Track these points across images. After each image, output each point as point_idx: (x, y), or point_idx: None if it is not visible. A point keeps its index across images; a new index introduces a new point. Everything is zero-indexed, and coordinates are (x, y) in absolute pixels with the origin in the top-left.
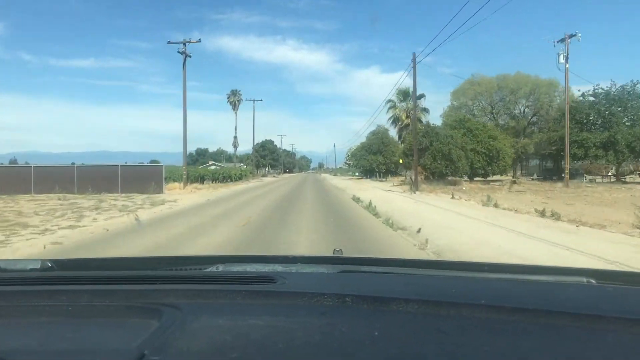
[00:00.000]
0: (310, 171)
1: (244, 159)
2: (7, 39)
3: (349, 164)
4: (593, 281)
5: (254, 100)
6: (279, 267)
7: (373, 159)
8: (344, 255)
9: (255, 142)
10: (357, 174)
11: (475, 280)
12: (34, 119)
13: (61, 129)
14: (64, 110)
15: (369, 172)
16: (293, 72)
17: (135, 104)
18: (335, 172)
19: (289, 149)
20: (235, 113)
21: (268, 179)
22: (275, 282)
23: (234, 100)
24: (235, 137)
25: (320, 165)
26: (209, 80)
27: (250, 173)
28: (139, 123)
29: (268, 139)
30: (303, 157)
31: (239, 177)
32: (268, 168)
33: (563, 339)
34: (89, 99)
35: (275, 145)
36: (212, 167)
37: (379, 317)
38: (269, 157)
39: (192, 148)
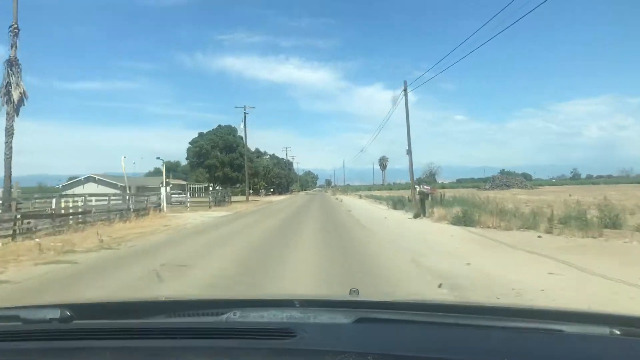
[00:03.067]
0: (317, 188)
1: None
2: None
3: None
4: (617, 332)
5: None
6: (296, 314)
7: None
8: (361, 297)
9: None
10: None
11: (497, 331)
12: (43, 142)
13: (68, 152)
14: (71, 133)
15: None
16: (297, 90)
17: (140, 125)
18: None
19: (281, 154)
20: None
21: None
22: (295, 336)
23: None
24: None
25: (328, 183)
26: (214, 100)
27: None
28: (143, 144)
29: (225, 124)
30: (308, 173)
31: None
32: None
33: None
34: (95, 121)
35: (240, 138)
36: None
37: None
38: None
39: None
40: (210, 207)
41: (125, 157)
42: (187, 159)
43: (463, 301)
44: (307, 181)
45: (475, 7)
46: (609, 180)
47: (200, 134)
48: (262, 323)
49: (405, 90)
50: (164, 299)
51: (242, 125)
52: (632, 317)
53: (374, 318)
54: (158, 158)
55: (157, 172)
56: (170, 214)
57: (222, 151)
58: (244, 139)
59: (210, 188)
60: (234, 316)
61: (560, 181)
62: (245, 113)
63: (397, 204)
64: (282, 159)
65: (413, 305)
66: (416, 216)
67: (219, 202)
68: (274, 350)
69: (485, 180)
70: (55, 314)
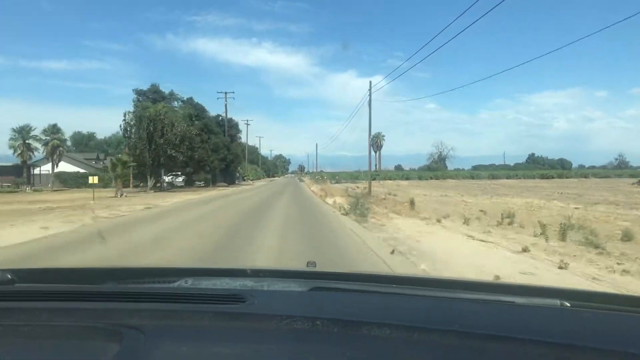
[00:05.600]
0: (289, 174)
1: None
2: None
3: None
4: (567, 304)
5: None
6: (249, 283)
7: None
8: (318, 268)
9: None
10: None
11: (448, 301)
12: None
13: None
14: (35, 113)
15: None
16: (270, 75)
17: (108, 106)
18: None
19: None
20: None
21: None
22: (245, 302)
23: None
24: None
25: (302, 168)
26: (185, 83)
27: None
28: (111, 125)
29: None
30: (279, 157)
31: None
32: None
33: None
34: (63, 102)
35: None
36: None
37: (349, 342)
38: None
39: None
40: None
41: None
42: None
43: (419, 275)
44: (277, 166)
45: None
46: None
47: None
48: (212, 290)
49: None
50: (114, 267)
51: None
52: (581, 291)
53: (327, 287)
54: None
55: None
56: None
57: None
58: None
59: None
60: (185, 283)
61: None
62: None
63: None
64: (219, 116)
65: (369, 277)
66: None
67: None
68: (220, 314)
69: (513, 168)
70: None
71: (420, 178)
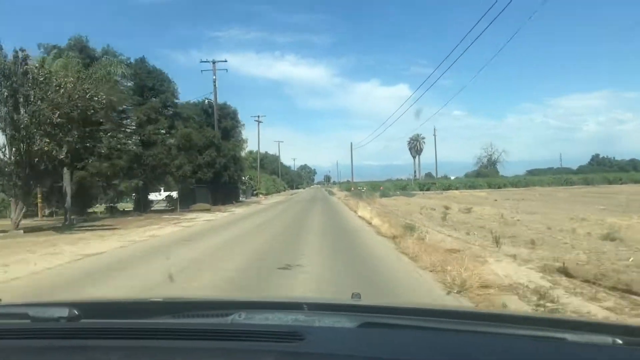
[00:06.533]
0: (315, 185)
1: None
2: None
3: None
4: (619, 341)
5: None
6: (301, 317)
7: None
8: (363, 301)
9: None
10: None
11: (500, 338)
12: None
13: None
14: None
15: None
16: (293, 87)
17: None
18: None
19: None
20: None
21: None
22: (303, 340)
23: None
24: None
25: (327, 179)
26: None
27: None
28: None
29: None
30: (304, 167)
31: None
32: None
33: None
34: None
35: None
36: None
37: None
38: None
39: None
40: None
41: None
42: None
43: (466, 307)
44: (302, 177)
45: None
46: None
47: None
48: (267, 325)
49: None
50: (170, 300)
51: None
52: (634, 326)
53: (378, 323)
54: None
55: None
56: None
57: None
58: None
59: None
60: (239, 318)
61: None
62: None
63: None
64: (205, 100)
65: (415, 310)
66: None
67: None
68: (283, 353)
69: (577, 172)
70: (63, 312)
71: (489, 186)
